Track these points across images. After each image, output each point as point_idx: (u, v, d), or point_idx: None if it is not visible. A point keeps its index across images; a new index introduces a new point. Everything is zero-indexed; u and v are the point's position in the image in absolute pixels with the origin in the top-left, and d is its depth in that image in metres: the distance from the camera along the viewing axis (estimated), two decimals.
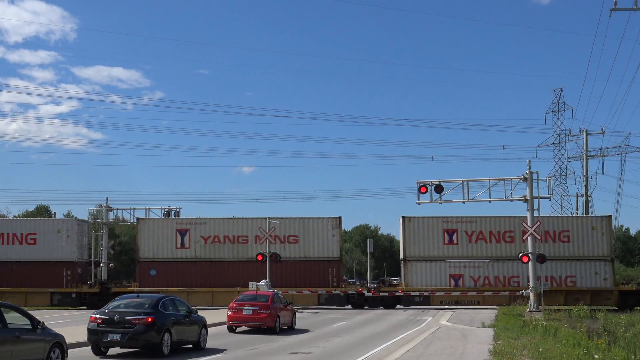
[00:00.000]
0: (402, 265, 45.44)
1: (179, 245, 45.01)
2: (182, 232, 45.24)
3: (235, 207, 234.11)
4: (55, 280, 44.63)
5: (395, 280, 52.08)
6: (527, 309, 33.74)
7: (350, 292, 44.85)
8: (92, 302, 43.73)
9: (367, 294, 44.46)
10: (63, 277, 44.81)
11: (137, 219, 46.38)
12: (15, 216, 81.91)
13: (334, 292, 44.22)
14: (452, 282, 43.95)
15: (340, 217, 45.46)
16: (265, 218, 43.57)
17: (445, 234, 44.25)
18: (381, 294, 44.31)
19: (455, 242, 44.15)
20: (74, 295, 44.09)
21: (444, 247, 44.16)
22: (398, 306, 44.48)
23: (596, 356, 15.19)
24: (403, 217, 44.61)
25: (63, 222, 46.61)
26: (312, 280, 44.40)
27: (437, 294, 43.66)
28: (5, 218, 47.00)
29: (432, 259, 44.11)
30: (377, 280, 53.22)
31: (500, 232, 44.31)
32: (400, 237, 46.12)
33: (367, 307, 44.24)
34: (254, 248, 44.34)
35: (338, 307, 44.21)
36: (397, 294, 44.06)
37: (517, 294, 41.73)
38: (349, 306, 44.29)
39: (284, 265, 43.50)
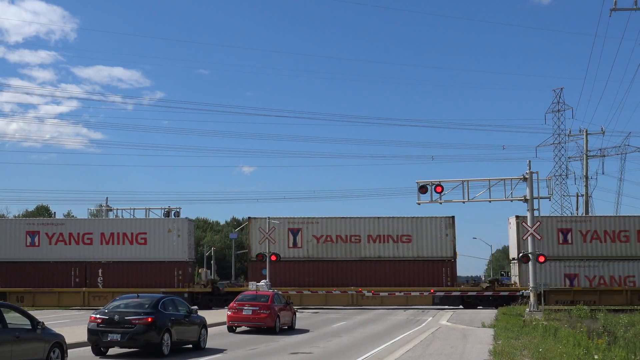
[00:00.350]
0: (513, 264, 45.19)
1: (291, 245, 44.90)
2: (294, 232, 45.10)
3: (235, 207, 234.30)
4: (166, 280, 44.30)
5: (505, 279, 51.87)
6: (527, 309, 33.74)
7: (463, 293, 44.35)
8: (204, 302, 43.75)
9: (486, 293, 43.96)
10: (174, 276, 44.55)
11: (249, 218, 46.12)
12: (15, 216, 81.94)
13: (450, 292, 43.98)
14: (567, 282, 43.65)
15: (453, 217, 45.29)
16: (377, 218, 44.56)
17: (560, 234, 44.19)
18: (501, 293, 43.76)
19: (569, 241, 44.00)
20: (186, 295, 43.51)
21: (558, 247, 43.89)
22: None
23: (596, 356, 15.18)
24: (516, 217, 43.90)
25: (174, 221, 46.00)
26: (426, 280, 44.10)
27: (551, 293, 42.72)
28: (117, 218, 46.56)
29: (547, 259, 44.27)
30: (490, 279, 52.47)
31: (615, 231, 43.98)
32: (510, 237, 45.84)
33: (480, 306, 43.80)
34: (367, 248, 44.54)
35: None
36: (517, 293, 42.66)
37: (517, 293, 41.71)
38: (461, 305, 43.96)
39: (396, 265, 43.79)
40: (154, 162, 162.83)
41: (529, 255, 34.07)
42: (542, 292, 35.81)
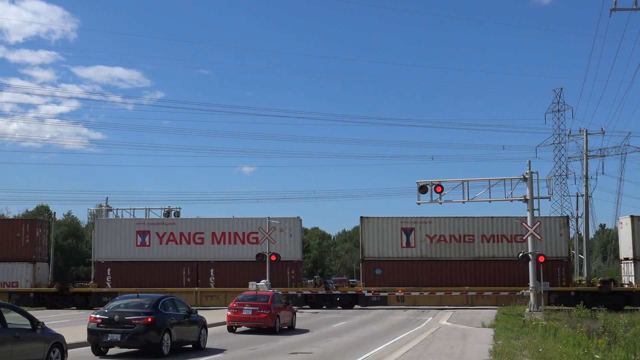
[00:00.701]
0: (626, 264, 45.08)
1: (404, 245, 44.73)
2: (407, 231, 44.98)
3: (235, 207, 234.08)
4: (279, 279, 44.01)
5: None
6: (527, 309, 33.73)
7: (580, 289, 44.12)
8: (316, 302, 43.87)
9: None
10: (287, 276, 44.58)
11: (361, 218, 45.98)
12: (15, 216, 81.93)
13: (568, 292, 43.75)
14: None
15: (567, 217, 45.65)
16: (491, 217, 44.83)
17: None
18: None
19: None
20: (299, 295, 43.66)
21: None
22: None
23: (597, 356, 15.18)
24: (631, 217, 43.91)
25: (286, 221, 45.82)
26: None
27: None
28: (229, 218, 46.54)
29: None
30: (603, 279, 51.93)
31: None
32: (622, 237, 45.90)
33: (600, 306, 42.96)
34: (480, 247, 44.57)
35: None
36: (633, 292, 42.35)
37: (517, 293, 41.75)
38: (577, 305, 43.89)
39: (511, 265, 43.60)
40: (154, 162, 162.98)
41: (529, 255, 34.07)
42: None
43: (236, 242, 45.37)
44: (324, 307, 43.77)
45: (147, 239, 45.32)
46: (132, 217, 50.66)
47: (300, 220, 46.49)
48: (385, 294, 43.82)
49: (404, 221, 45.03)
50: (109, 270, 45.10)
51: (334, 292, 44.70)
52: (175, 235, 45.55)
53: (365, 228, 45.12)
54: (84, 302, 44.28)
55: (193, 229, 45.76)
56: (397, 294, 43.82)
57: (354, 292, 44.60)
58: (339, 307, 43.67)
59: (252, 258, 43.35)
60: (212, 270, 44.94)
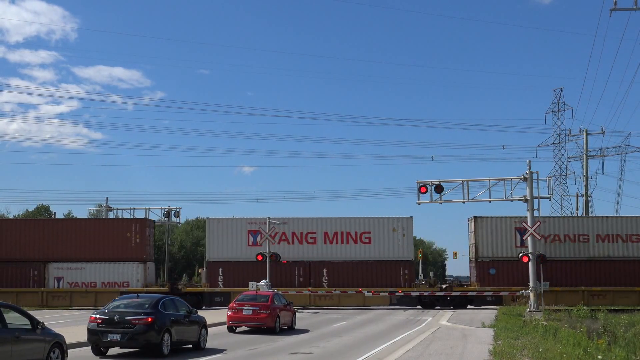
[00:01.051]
0: None
1: (518, 244, 44.29)
2: (522, 231, 44.06)
3: (235, 207, 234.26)
4: (392, 279, 44.08)
5: None
6: (527, 309, 33.74)
7: None
8: (430, 302, 43.72)
9: None
10: (400, 276, 44.37)
11: (475, 217, 45.64)
12: (15, 216, 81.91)
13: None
14: None
15: (412, 217, 45.68)
16: (606, 217, 45.21)
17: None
18: None
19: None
20: (413, 294, 43.58)
21: None
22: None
23: (599, 357, 15.17)
24: None
25: (398, 220, 45.52)
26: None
27: None
28: (341, 217, 46.21)
29: None
30: None
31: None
32: None
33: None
34: (595, 247, 44.41)
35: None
36: None
37: (517, 293, 41.73)
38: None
39: (626, 265, 43.66)
40: (154, 162, 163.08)
41: (529, 255, 34.10)
42: None
43: (348, 241, 45.18)
44: (437, 307, 43.46)
45: (258, 238, 45.07)
46: (132, 216, 50.70)
47: (412, 219, 46.20)
48: (506, 293, 43.32)
49: (517, 221, 44.67)
50: (220, 270, 44.99)
51: (450, 293, 43.84)
52: (287, 234, 45.40)
53: (478, 228, 45.01)
54: (195, 302, 43.82)
55: (305, 229, 45.65)
56: (517, 293, 42.94)
57: (473, 293, 44.01)
58: (451, 307, 43.34)
59: (364, 258, 44.23)
60: (324, 270, 44.83)
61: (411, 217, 45.81)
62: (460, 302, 43.54)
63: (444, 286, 45.01)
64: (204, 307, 42.68)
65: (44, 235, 45.19)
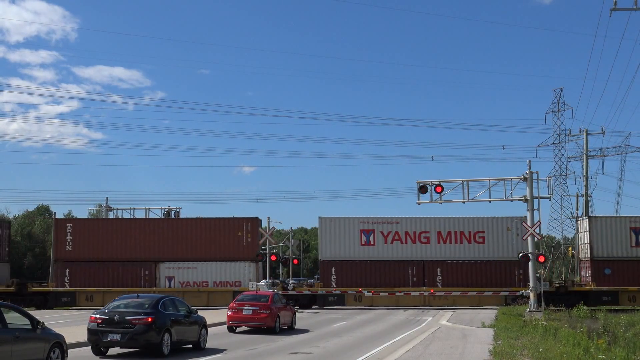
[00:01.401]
0: None
1: (633, 244, 44.08)
2: (637, 231, 44.34)
3: (236, 207, 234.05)
4: (506, 279, 43.96)
5: None
6: (527, 309, 33.74)
7: None
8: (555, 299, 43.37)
9: None
10: (515, 276, 44.09)
11: (589, 217, 45.34)
12: (15, 216, 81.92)
13: None
14: None
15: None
16: None
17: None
18: None
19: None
20: (524, 293, 42.68)
21: None
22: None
23: (602, 356, 15.15)
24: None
25: (511, 220, 45.14)
26: None
27: None
28: (455, 217, 46.11)
29: None
30: None
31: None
32: None
33: None
34: None
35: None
36: None
37: (517, 294, 41.71)
38: None
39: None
40: (154, 162, 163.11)
41: (529, 255, 34.09)
42: None
43: (462, 241, 44.98)
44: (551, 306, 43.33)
45: (371, 238, 45.06)
46: (132, 216, 50.72)
47: (526, 218, 46.10)
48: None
49: (633, 220, 44.60)
50: (333, 269, 44.87)
51: (567, 292, 43.61)
52: (400, 234, 45.21)
53: (593, 227, 44.75)
54: (308, 301, 44.28)
55: (418, 228, 45.42)
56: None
57: (587, 291, 43.75)
58: (561, 305, 43.25)
59: (479, 258, 44.18)
60: (438, 270, 44.62)
61: (525, 216, 45.97)
62: (575, 301, 42.52)
63: (557, 285, 44.78)
64: (311, 307, 43.34)
65: (154, 234, 45.32)
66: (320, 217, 46.23)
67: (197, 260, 44.62)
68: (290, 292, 42.88)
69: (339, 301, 43.77)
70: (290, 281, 49.54)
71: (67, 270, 44.77)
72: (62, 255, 45.53)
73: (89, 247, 45.21)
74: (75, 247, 45.24)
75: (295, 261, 71.44)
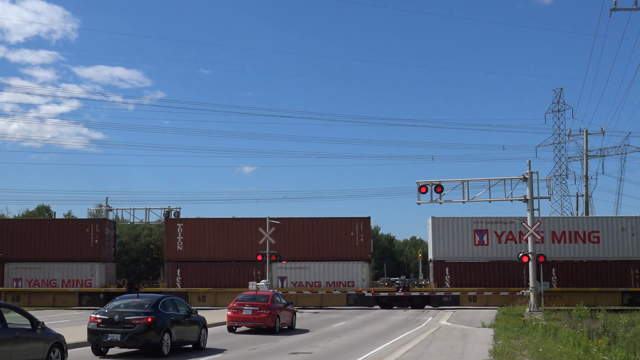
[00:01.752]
0: None
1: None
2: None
3: (236, 207, 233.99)
4: (622, 279, 43.95)
5: None
6: (527, 309, 33.74)
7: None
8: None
9: None
10: (630, 275, 44.13)
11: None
12: (15, 216, 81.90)
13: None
14: None
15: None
16: None
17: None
18: None
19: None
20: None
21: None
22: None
23: (605, 358, 15.15)
24: None
25: (627, 220, 45.44)
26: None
27: None
28: (569, 216, 45.30)
29: None
30: None
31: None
32: None
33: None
34: None
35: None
36: None
37: (517, 294, 41.70)
38: None
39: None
40: (154, 162, 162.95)
41: (529, 255, 34.10)
42: None
43: (577, 241, 44.99)
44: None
45: (485, 237, 44.96)
46: (132, 216, 50.71)
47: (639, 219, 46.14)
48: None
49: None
50: (447, 269, 44.81)
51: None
52: (514, 234, 44.97)
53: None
54: (422, 302, 44.32)
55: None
56: None
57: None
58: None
59: (593, 257, 44.25)
60: (553, 270, 44.46)
61: (638, 216, 45.77)
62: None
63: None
64: (424, 308, 43.39)
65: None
66: (432, 217, 46.04)
67: (310, 260, 45.01)
68: (405, 294, 43.46)
69: (453, 301, 43.78)
70: (400, 279, 49.41)
71: (179, 271, 45.08)
72: (173, 255, 45.79)
73: (200, 247, 45.52)
74: (186, 247, 45.55)
75: None
